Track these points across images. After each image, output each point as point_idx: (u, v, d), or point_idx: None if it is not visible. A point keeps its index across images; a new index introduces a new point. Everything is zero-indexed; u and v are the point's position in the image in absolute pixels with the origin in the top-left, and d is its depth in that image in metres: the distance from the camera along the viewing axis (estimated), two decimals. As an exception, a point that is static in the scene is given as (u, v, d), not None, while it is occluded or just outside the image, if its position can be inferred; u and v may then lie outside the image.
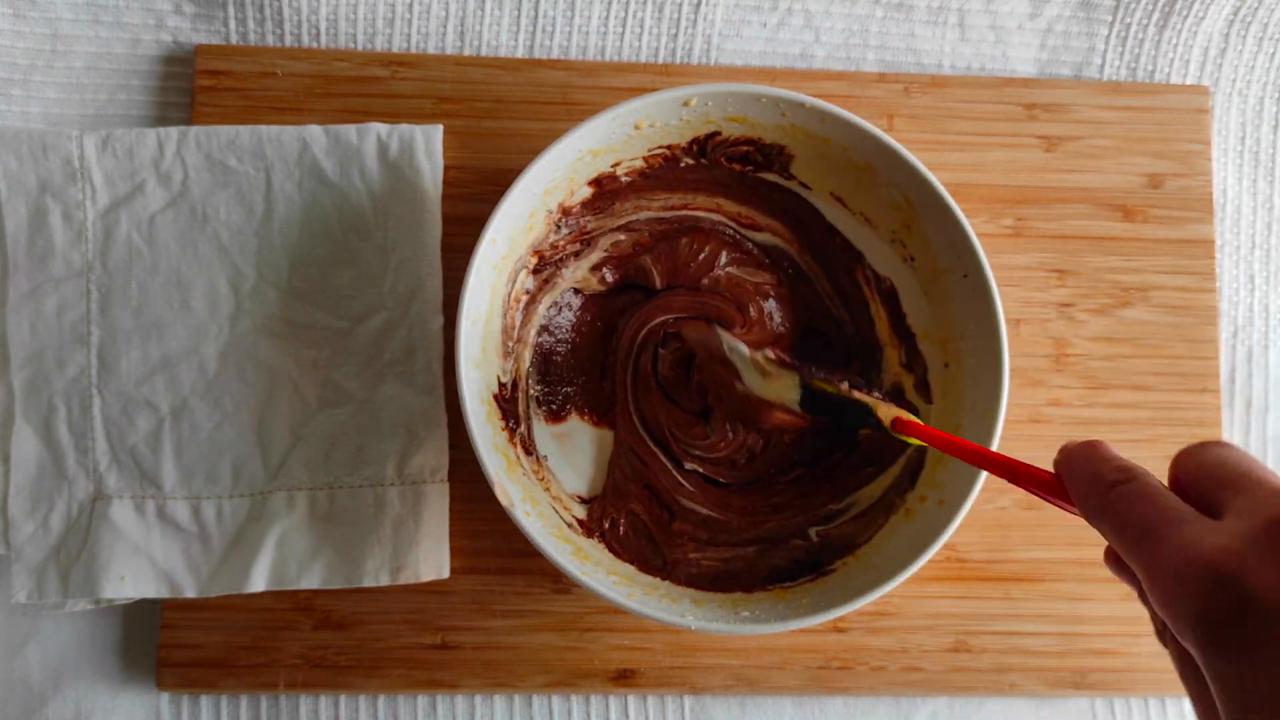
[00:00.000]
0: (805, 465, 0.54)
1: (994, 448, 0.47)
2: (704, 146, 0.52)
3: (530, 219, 0.50)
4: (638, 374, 0.54)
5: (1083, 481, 0.33)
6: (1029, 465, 0.37)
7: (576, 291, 0.54)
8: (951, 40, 0.59)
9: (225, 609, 0.52)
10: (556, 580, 0.53)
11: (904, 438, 0.46)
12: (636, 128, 0.49)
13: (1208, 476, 0.31)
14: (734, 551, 0.52)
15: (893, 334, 0.54)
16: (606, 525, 0.52)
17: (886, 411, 0.47)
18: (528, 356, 0.53)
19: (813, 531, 0.52)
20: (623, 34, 0.58)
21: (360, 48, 0.56)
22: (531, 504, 0.48)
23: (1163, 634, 0.34)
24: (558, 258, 0.53)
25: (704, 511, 0.53)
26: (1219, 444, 0.32)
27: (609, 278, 0.54)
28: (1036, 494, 0.37)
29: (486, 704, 0.54)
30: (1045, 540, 0.55)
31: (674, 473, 0.53)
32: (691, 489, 0.53)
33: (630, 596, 0.46)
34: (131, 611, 0.53)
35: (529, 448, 0.52)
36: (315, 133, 0.52)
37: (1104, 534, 0.32)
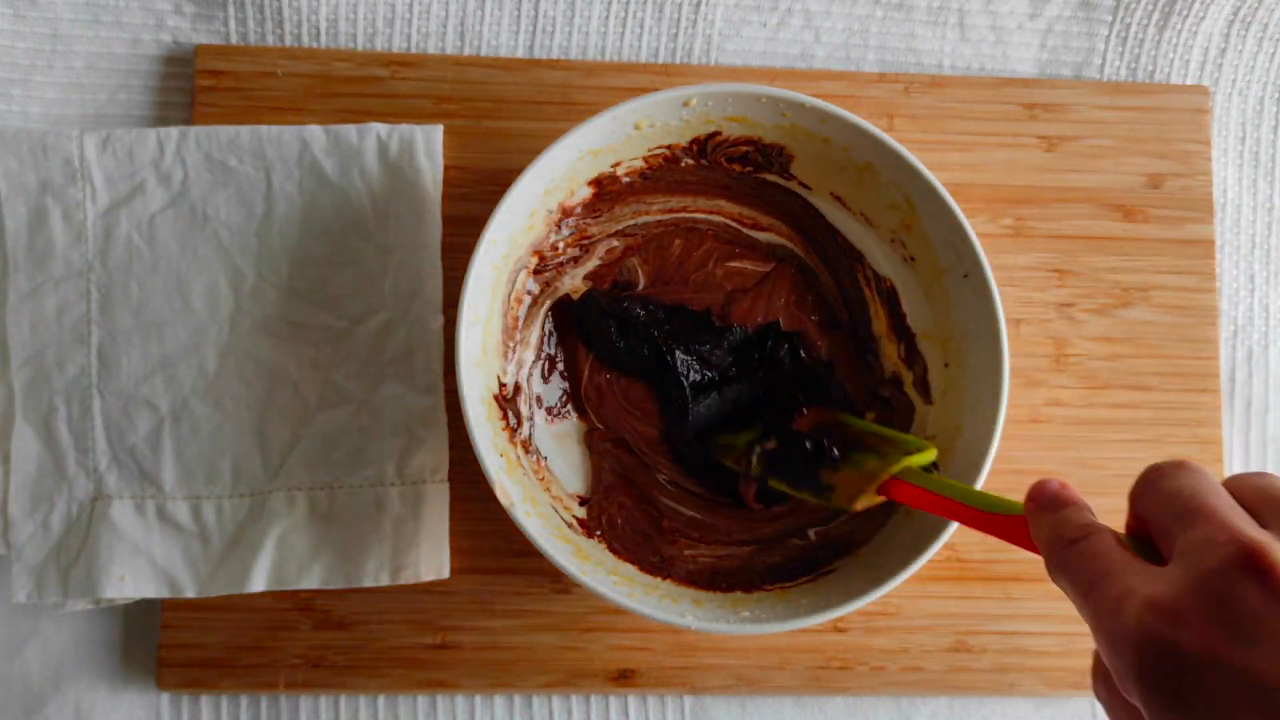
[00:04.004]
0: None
1: (993, 448, 0.47)
2: (704, 146, 0.52)
3: (530, 219, 0.50)
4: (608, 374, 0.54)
5: (1044, 540, 0.33)
6: (1005, 523, 0.37)
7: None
8: (951, 40, 0.59)
9: (225, 609, 0.52)
10: (556, 580, 0.53)
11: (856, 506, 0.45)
12: (636, 128, 0.49)
13: (1161, 512, 0.30)
14: (728, 550, 0.52)
15: (892, 333, 0.54)
16: (604, 521, 0.52)
17: (850, 491, 0.46)
18: (529, 357, 0.53)
19: (811, 531, 0.52)
20: (623, 34, 0.58)
21: (360, 48, 0.56)
22: (531, 504, 0.48)
23: (1095, 685, 0.33)
24: (558, 260, 0.53)
25: (689, 514, 0.53)
26: (1175, 469, 0.31)
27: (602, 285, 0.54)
28: (1017, 545, 0.37)
29: (486, 704, 0.54)
30: (1045, 540, 0.55)
31: (654, 475, 0.53)
32: (674, 492, 0.53)
33: (630, 596, 0.46)
34: (131, 611, 0.53)
35: (529, 448, 0.52)
36: (315, 133, 0.52)
37: (1065, 593, 0.32)
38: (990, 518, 0.38)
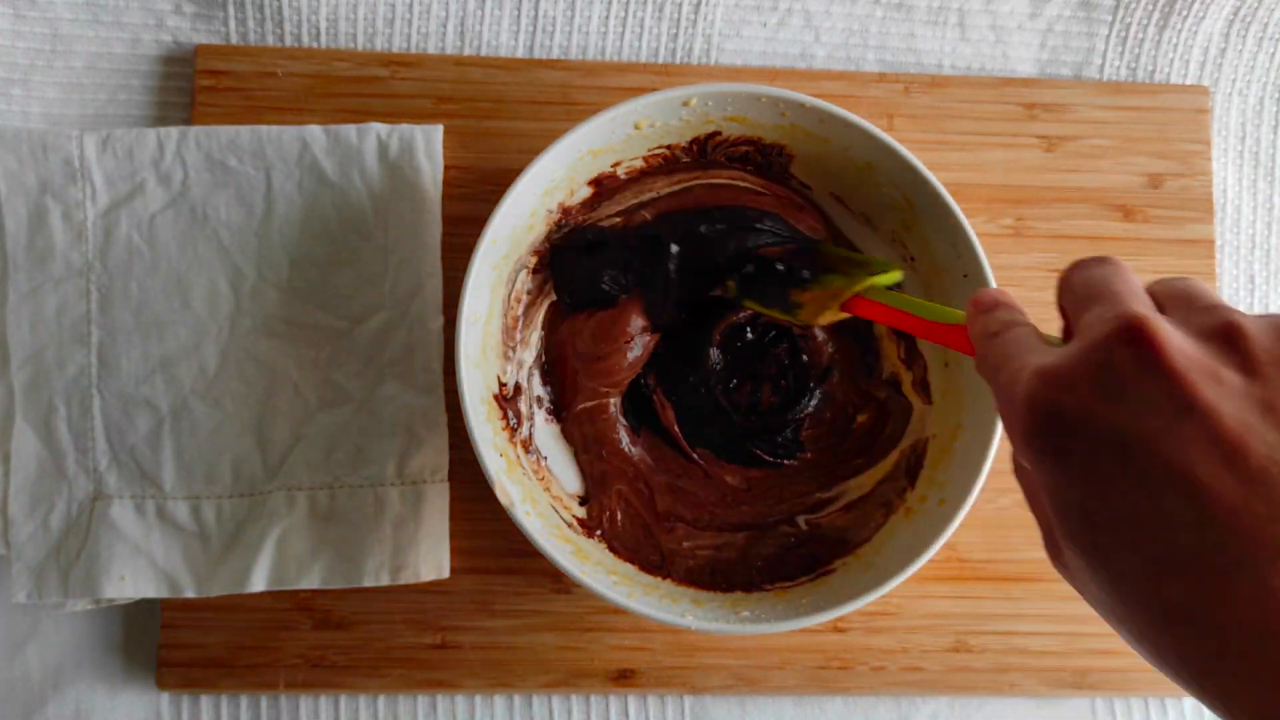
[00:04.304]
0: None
1: (993, 448, 0.47)
2: (704, 146, 0.52)
3: (530, 219, 0.50)
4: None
5: (974, 338, 0.36)
6: (949, 331, 0.41)
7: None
8: (951, 40, 0.59)
9: (225, 609, 0.52)
10: (556, 580, 0.53)
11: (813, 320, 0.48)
12: (636, 128, 0.49)
13: (1072, 299, 0.33)
14: (723, 538, 0.52)
15: (892, 333, 0.54)
16: (605, 518, 0.52)
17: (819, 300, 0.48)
18: (529, 357, 0.53)
19: (801, 519, 0.52)
20: (623, 34, 0.58)
21: (360, 48, 0.56)
22: (531, 504, 0.48)
23: (1016, 470, 0.35)
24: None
25: (668, 480, 0.53)
26: (1091, 261, 0.33)
27: None
28: (963, 351, 0.39)
29: (486, 704, 0.54)
30: (1045, 540, 0.55)
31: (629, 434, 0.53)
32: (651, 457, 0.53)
33: (630, 596, 0.46)
34: (131, 611, 0.53)
35: (529, 448, 0.52)
36: (315, 133, 0.52)
37: (988, 385, 0.34)
38: (939, 326, 0.41)
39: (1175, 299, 0.31)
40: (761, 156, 0.53)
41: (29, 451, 0.50)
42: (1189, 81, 0.60)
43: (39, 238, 0.51)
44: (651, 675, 0.53)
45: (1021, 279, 0.57)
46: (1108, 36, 0.60)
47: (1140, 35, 0.60)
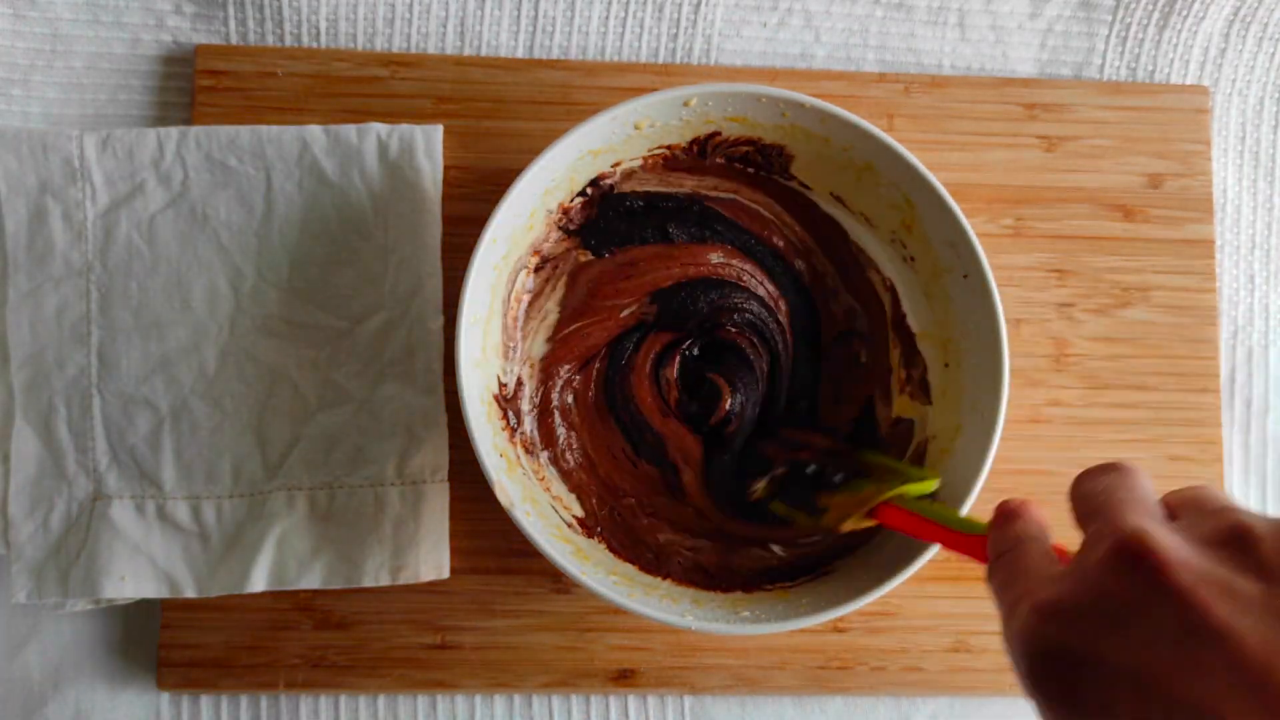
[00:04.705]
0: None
1: (993, 448, 0.47)
2: (704, 146, 0.52)
3: (530, 219, 0.50)
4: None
5: (990, 553, 0.33)
6: (974, 543, 0.39)
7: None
8: (951, 40, 0.59)
9: (225, 609, 0.52)
10: (556, 580, 0.53)
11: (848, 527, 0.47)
12: (636, 128, 0.49)
13: (1078, 513, 0.31)
14: (698, 541, 0.52)
15: (893, 333, 0.54)
16: (603, 514, 0.52)
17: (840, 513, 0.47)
18: (529, 356, 0.53)
19: (776, 547, 0.52)
20: (623, 34, 0.58)
21: (360, 48, 0.56)
22: (531, 504, 0.48)
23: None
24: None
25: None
26: (1099, 470, 0.31)
27: None
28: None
29: (486, 704, 0.54)
30: (1045, 540, 0.55)
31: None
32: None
33: (630, 596, 0.46)
34: (131, 611, 0.53)
35: (529, 448, 0.52)
36: (315, 133, 0.52)
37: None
38: (964, 539, 0.40)
39: (1185, 505, 0.28)
40: (761, 157, 0.53)
41: (29, 451, 0.50)
42: (1189, 81, 0.60)
43: (39, 238, 0.51)
44: (651, 675, 0.53)
45: (1021, 279, 0.57)
46: (1108, 36, 0.60)
47: (1140, 35, 0.60)
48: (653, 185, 0.53)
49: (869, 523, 0.46)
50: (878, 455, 0.52)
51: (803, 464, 0.50)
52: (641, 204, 0.53)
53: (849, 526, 0.46)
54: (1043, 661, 0.26)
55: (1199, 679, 0.24)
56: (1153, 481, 0.30)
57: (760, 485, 0.51)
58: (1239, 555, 0.25)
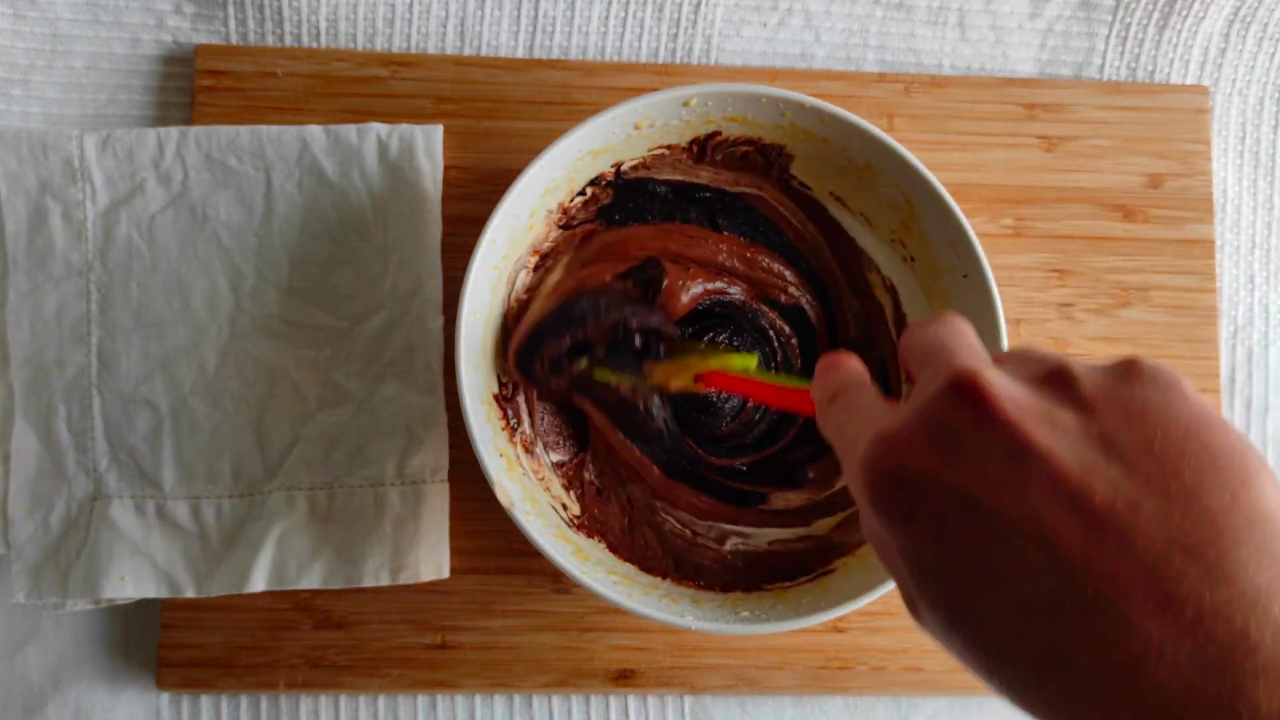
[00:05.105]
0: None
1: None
2: (704, 146, 0.52)
3: (530, 219, 0.50)
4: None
5: (816, 401, 0.36)
6: (796, 394, 0.42)
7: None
8: (951, 40, 0.59)
9: (225, 609, 0.52)
10: (556, 580, 0.53)
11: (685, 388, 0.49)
12: (636, 128, 0.49)
13: (911, 360, 0.33)
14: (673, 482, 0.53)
15: (893, 333, 0.54)
16: (602, 520, 0.52)
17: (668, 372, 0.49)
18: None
19: (727, 548, 0.52)
20: (623, 34, 0.58)
21: (360, 48, 0.56)
22: (531, 504, 0.48)
23: (866, 532, 0.35)
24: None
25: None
26: (929, 321, 0.33)
27: None
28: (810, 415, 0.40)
29: (486, 704, 0.54)
30: (1045, 540, 0.55)
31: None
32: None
33: (630, 596, 0.46)
34: (131, 611, 0.53)
35: (529, 447, 0.52)
36: (315, 133, 0.52)
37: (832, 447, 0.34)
38: (787, 392, 0.43)
39: (1010, 355, 0.31)
40: (761, 157, 0.53)
41: (29, 451, 0.50)
42: (1189, 81, 0.60)
43: (39, 238, 0.51)
44: (651, 675, 0.53)
45: (1021, 279, 0.57)
46: (1108, 36, 0.60)
47: (1140, 35, 0.60)
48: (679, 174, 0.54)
49: (698, 388, 0.48)
50: (696, 344, 0.53)
51: (630, 337, 0.51)
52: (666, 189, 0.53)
53: (676, 386, 0.49)
54: (884, 484, 0.29)
55: (1021, 495, 0.26)
56: None
57: (583, 361, 0.51)
58: (1059, 391, 0.28)
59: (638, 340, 0.51)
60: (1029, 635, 0.26)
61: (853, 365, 0.36)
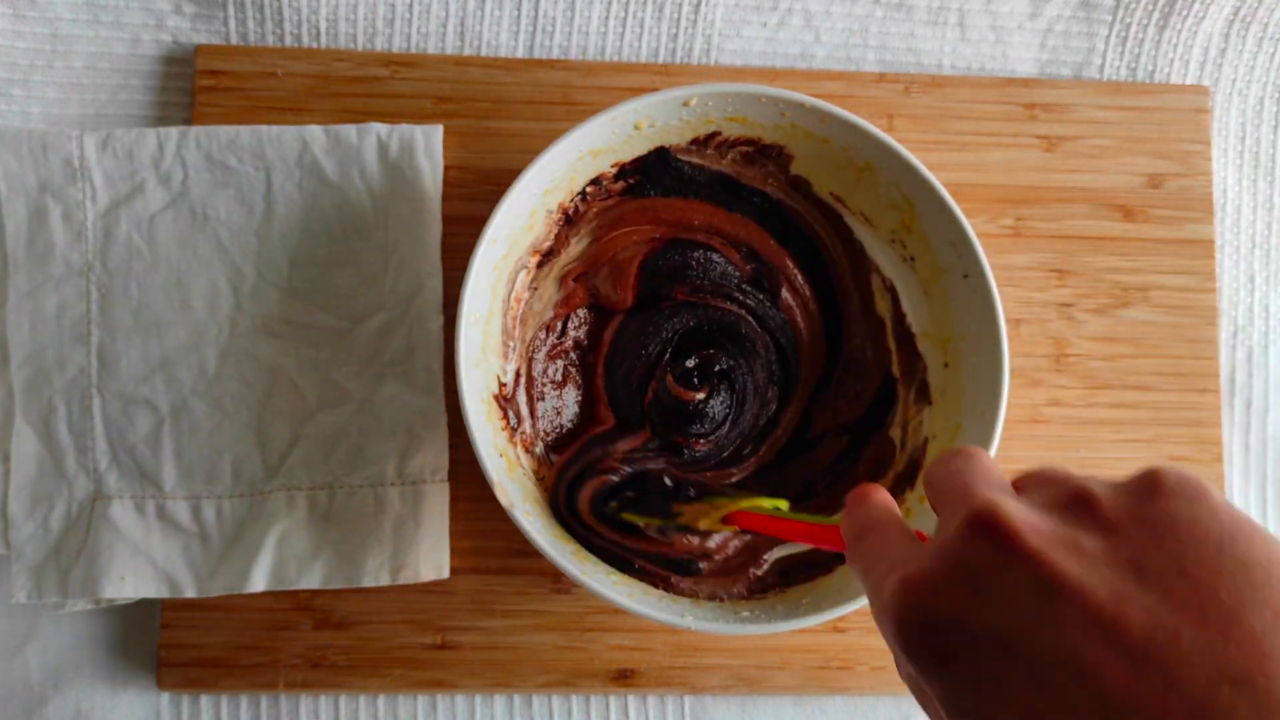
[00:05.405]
0: None
1: (994, 448, 0.47)
2: (704, 147, 0.52)
3: (530, 219, 0.50)
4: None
5: (845, 538, 0.35)
6: (826, 531, 0.40)
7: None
8: (951, 40, 0.59)
9: (225, 609, 0.52)
10: (556, 580, 0.53)
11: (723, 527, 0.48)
12: (636, 128, 0.49)
13: (934, 498, 0.32)
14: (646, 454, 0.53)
15: (892, 333, 0.54)
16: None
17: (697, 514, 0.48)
18: (529, 355, 0.53)
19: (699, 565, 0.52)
20: (623, 34, 0.58)
21: (360, 48, 0.56)
22: (532, 504, 0.48)
23: (902, 675, 0.34)
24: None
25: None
26: (949, 456, 0.32)
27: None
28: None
29: (486, 704, 0.54)
30: (1045, 540, 0.55)
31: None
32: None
33: (630, 597, 0.46)
34: (131, 611, 0.53)
35: (529, 447, 0.52)
36: (315, 133, 0.52)
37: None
38: (816, 529, 0.41)
39: (1029, 479, 0.30)
40: (761, 157, 0.53)
41: (29, 451, 0.50)
42: (1189, 81, 0.60)
43: (39, 238, 0.51)
44: (651, 675, 0.53)
45: (1021, 279, 0.57)
46: (1108, 36, 0.60)
47: (1140, 35, 0.60)
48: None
49: (725, 528, 0.47)
50: (727, 489, 0.52)
51: (659, 478, 0.51)
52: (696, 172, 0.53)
53: (705, 525, 0.48)
54: (915, 632, 0.28)
55: (1057, 631, 0.25)
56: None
57: (613, 505, 0.50)
58: (1082, 516, 0.27)
59: (668, 480, 0.50)
60: None
61: (879, 499, 0.35)
